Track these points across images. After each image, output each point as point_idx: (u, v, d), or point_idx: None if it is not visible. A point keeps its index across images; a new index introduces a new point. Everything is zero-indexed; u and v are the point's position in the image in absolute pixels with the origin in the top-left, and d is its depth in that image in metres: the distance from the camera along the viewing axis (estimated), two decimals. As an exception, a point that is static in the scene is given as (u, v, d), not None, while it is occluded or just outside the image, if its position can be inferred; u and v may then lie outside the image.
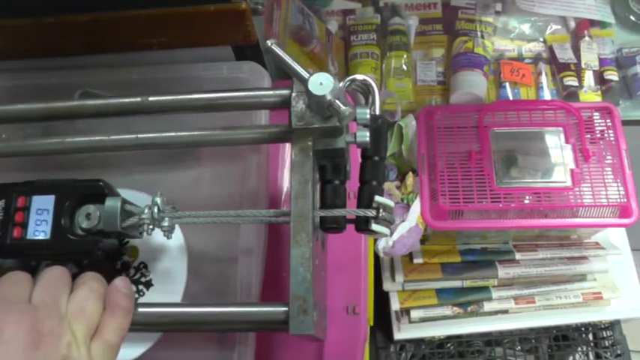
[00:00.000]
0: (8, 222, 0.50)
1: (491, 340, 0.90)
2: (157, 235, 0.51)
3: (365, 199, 0.47)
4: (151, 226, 0.48)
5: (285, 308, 0.43)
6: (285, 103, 0.49)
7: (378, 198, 0.46)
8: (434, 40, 0.98)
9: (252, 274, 0.54)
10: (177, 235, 0.55)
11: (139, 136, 0.56)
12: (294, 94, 0.47)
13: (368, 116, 0.47)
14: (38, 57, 0.71)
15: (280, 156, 0.65)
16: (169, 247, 0.55)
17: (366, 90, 0.51)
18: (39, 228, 0.49)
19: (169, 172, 0.61)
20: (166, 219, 0.48)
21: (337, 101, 0.42)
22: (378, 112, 0.50)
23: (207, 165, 0.61)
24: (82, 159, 0.61)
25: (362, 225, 0.46)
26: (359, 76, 0.50)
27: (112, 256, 0.55)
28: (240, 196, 0.57)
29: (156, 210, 0.47)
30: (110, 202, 0.48)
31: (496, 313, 0.86)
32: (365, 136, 0.46)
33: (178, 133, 0.56)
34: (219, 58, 0.68)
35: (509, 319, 0.87)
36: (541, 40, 0.98)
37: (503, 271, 0.83)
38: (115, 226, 0.48)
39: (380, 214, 0.46)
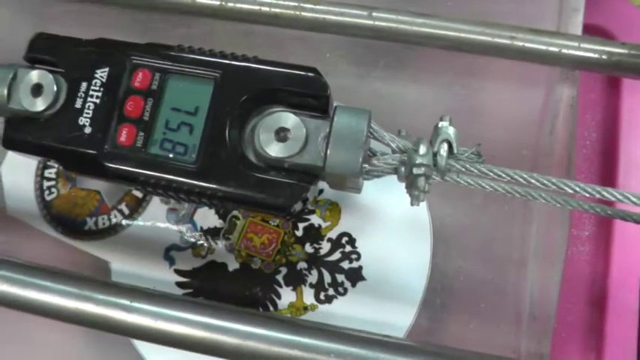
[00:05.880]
0: (112, 112, 0.25)
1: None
2: (375, 194, 0.27)
3: None
4: (423, 180, 0.23)
5: None
6: None
7: None
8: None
9: (550, 293, 0.29)
10: (420, 205, 0.30)
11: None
12: None
13: None
14: None
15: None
16: (401, 220, 0.30)
17: None
18: (175, 137, 0.25)
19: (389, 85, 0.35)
20: (457, 170, 0.23)
21: None
22: None
23: (466, 86, 0.36)
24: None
25: None
26: None
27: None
28: (534, 152, 0.32)
29: (444, 150, 0.23)
30: (346, 116, 0.24)
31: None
32: None
33: (437, 22, 0.31)
34: None
35: None
36: None
37: None
38: (353, 166, 0.23)
39: None
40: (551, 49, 0.32)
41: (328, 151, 0.23)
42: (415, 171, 0.22)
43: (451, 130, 0.23)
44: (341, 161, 0.23)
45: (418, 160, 0.22)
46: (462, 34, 0.32)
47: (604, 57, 0.32)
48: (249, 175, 0.24)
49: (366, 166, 0.23)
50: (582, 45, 0.32)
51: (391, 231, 0.30)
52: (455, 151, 0.23)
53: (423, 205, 0.30)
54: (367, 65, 0.36)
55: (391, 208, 0.30)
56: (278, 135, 0.24)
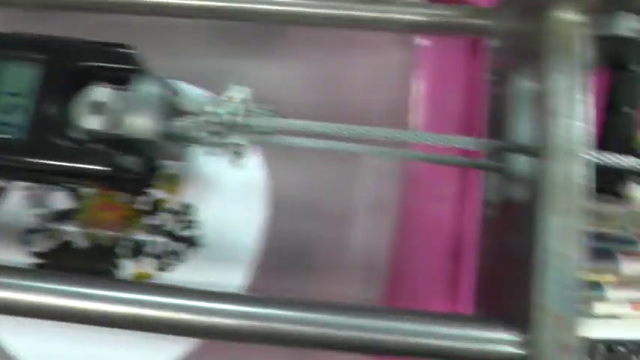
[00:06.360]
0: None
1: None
2: (215, 164, 0.29)
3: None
4: (217, 136, 0.25)
5: (514, 337, 0.21)
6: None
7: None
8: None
9: (380, 246, 0.31)
10: (256, 168, 0.32)
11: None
12: None
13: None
14: None
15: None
16: (238, 185, 0.32)
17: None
18: (6, 118, 0.27)
19: (249, 63, 0.37)
20: (252, 130, 0.25)
21: None
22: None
23: (313, 57, 0.37)
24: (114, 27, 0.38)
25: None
26: None
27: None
28: (383, 112, 0.34)
29: (240, 108, 0.25)
30: (145, 85, 0.26)
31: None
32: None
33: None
34: None
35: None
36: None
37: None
38: (149, 129, 0.25)
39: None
40: (384, 15, 0.34)
41: (129, 119, 0.25)
42: (207, 129, 0.24)
43: (242, 90, 0.25)
44: (141, 126, 0.25)
45: (208, 119, 0.24)
46: (301, 9, 0.34)
47: (430, 19, 0.34)
48: (71, 148, 0.26)
49: (165, 129, 0.25)
50: (414, 10, 0.34)
51: (229, 198, 0.32)
52: (249, 108, 0.24)
53: (260, 169, 0.32)
54: (230, 45, 0.37)
55: (229, 176, 0.32)
56: (94, 108, 0.26)
